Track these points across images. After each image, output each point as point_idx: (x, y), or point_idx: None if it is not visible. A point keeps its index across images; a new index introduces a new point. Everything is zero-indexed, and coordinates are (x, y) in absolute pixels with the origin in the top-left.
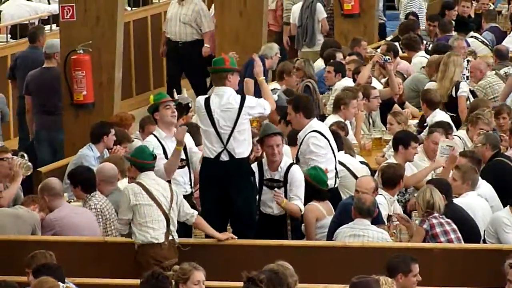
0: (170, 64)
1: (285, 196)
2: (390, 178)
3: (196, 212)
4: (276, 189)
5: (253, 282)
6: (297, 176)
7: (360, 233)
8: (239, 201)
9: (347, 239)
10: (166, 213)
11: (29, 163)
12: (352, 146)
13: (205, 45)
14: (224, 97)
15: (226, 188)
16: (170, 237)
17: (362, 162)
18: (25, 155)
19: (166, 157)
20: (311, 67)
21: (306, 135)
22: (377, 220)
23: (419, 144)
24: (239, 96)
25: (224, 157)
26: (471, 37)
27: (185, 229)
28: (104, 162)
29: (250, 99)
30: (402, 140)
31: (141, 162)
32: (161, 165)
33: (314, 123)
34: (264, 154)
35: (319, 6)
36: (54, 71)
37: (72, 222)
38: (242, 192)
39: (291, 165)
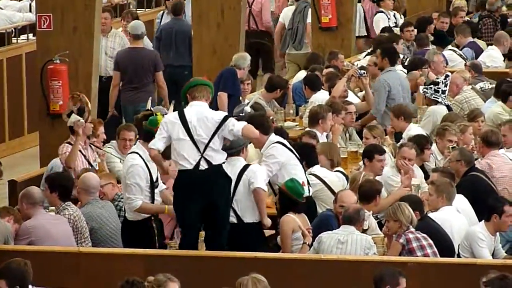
0: None
1: None
2: (367, 193)
3: None
4: None
5: None
6: None
7: (344, 239)
8: (222, 205)
9: (332, 244)
10: None
11: None
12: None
13: None
14: (200, 108)
15: (209, 195)
16: None
17: (339, 171)
18: None
19: (151, 178)
20: None
21: (268, 147)
22: None
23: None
24: (222, 113)
25: (204, 165)
26: (449, 49)
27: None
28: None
29: (232, 121)
30: (366, 153)
31: None
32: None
33: (274, 137)
34: None
35: (311, 11)
36: (142, 51)
37: (48, 230)
38: (223, 196)
39: None
